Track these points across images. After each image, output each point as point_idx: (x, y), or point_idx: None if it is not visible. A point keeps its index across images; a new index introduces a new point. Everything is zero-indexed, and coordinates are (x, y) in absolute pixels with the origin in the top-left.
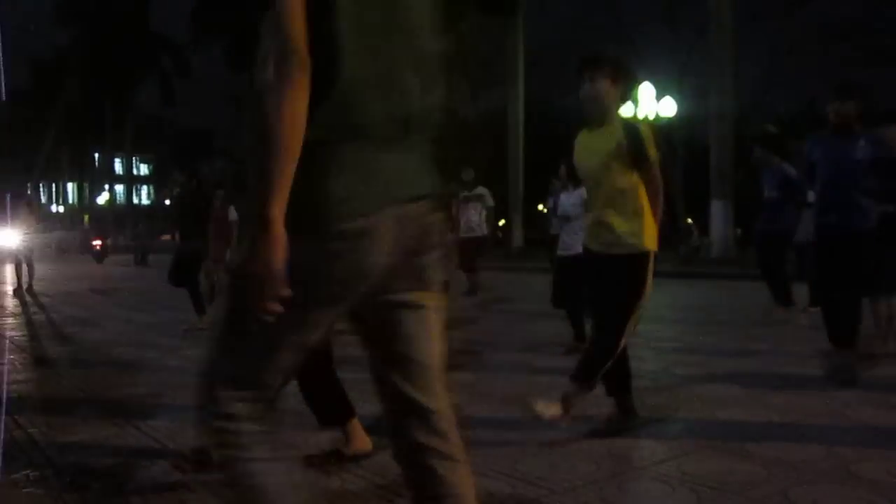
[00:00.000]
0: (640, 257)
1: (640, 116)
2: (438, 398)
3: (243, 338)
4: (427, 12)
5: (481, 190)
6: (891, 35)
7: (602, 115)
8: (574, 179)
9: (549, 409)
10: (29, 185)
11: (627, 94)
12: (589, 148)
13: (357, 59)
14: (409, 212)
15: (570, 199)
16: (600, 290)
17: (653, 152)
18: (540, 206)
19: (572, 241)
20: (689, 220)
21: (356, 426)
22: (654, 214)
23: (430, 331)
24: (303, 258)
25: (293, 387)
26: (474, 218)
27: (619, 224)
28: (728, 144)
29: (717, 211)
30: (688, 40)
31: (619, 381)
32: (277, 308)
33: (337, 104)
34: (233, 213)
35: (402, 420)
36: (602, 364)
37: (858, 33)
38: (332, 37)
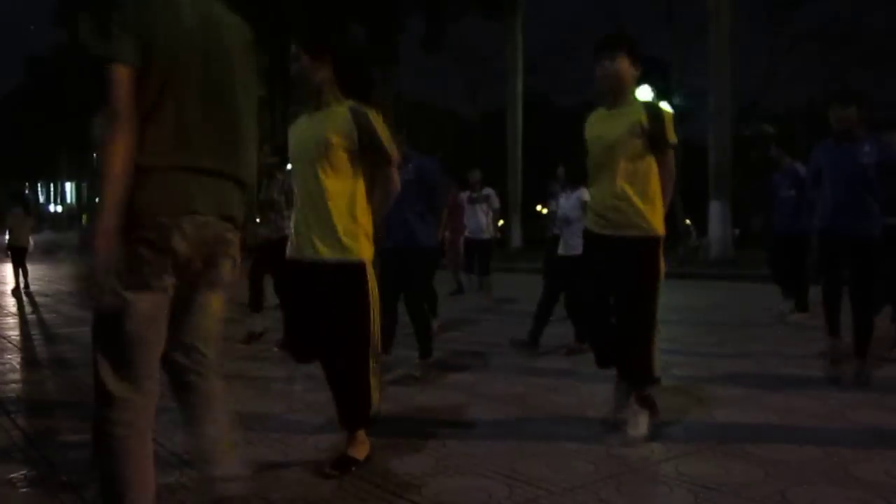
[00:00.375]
0: (654, 241)
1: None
2: (212, 348)
3: (110, 336)
4: (236, 85)
5: (488, 191)
6: (888, 35)
7: (620, 92)
8: (572, 181)
9: (637, 427)
10: (27, 184)
11: (639, 77)
12: (605, 124)
13: (182, 115)
14: (208, 222)
15: (569, 202)
16: (615, 277)
17: (672, 136)
18: (539, 207)
19: (575, 244)
20: (688, 221)
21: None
22: (665, 199)
23: (210, 318)
24: (132, 246)
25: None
26: (482, 220)
27: (632, 205)
28: (726, 145)
29: (716, 211)
30: (686, 41)
31: (608, 354)
32: (108, 295)
33: (166, 144)
34: None
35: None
36: (650, 354)
37: (857, 33)
38: (163, 101)
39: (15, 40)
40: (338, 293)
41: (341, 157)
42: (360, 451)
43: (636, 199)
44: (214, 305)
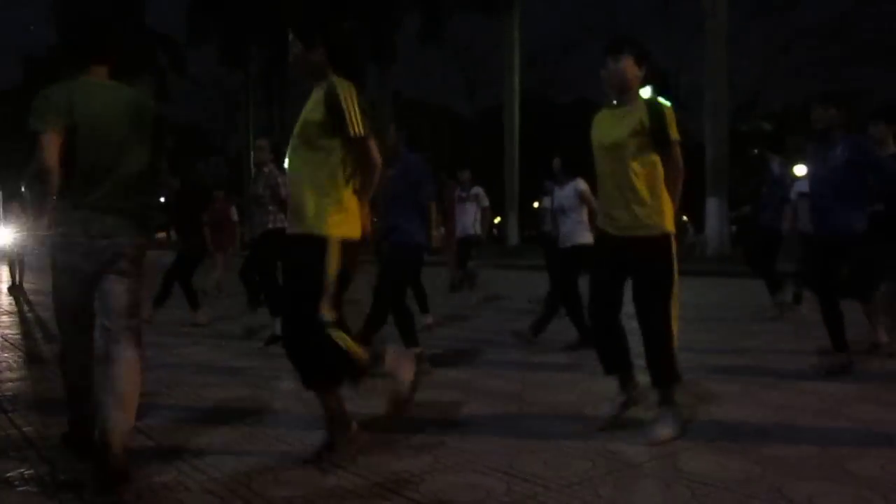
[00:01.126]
0: (664, 238)
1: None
2: (117, 323)
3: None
4: (133, 148)
5: (476, 190)
6: (883, 34)
7: (624, 92)
8: (567, 172)
9: (667, 426)
10: (22, 183)
11: (648, 78)
12: (609, 126)
13: (89, 170)
14: (97, 241)
15: (564, 192)
16: (632, 278)
17: (675, 133)
18: (536, 204)
19: (570, 233)
20: (685, 218)
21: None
22: (673, 197)
23: (117, 290)
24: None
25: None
26: (470, 217)
27: (640, 205)
28: (723, 142)
29: (713, 208)
30: (683, 37)
31: (620, 358)
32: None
33: (77, 191)
34: (234, 214)
35: (101, 335)
36: (671, 351)
37: (852, 31)
38: (77, 161)
39: (12, 40)
40: (295, 264)
41: (315, 133)
42: (353, 442)
43: (644, 199)
44: (116, 289)
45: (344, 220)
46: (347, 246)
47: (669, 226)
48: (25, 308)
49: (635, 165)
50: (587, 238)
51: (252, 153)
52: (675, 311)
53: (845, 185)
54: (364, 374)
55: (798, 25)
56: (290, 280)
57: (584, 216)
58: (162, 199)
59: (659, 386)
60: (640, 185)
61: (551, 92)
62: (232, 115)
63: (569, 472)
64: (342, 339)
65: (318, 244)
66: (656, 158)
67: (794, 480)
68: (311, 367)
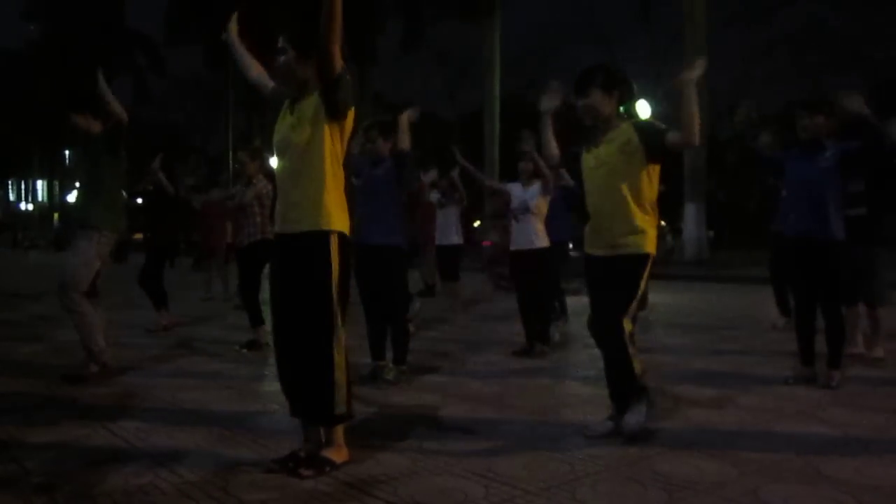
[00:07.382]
0: (643, 258)
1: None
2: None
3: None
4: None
5: (452, 175)
6: (862, 41)
7: (603, 122)
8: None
9: (635, 415)
10: None
11: (625, 98)
12: (594, 163)
13: None
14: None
15: (526, 194)
16: (601, 292)
17: (661, 124)
18: None
19: (529, 234)
20: (663, 223)
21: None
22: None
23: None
24: None
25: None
26: (452, 225)
27: (623, 227)
28: (702, 147)
29: (691, 213)
30: (663, 43)
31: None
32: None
33: None
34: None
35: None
36: (631, 365)
37: (832, 39)
38: None
39: None
40: (297, 263)
41: (315, 136)
42: (337, 454)
43: (631, 220)
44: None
45: (343, 216)
46: (345, 243)
47: (650, 247)
48: None
49: (623, 186)
50: (545, 242)
51: (233, 157)
52: (630, 328)
53: (829, 190)
54: (343, 421)
55: (776, 32)
56: (292, 284)
57: (543, 222)
58: (139, 200)
59: (619, 402)
60: (628, 206)
61: (531, 95)
62: (213, 116)
63: (547, 476)
64: (341, 384)
65: (323, 240)
66: (643, 180)
67: (770, 483)
68: (311, 399)
